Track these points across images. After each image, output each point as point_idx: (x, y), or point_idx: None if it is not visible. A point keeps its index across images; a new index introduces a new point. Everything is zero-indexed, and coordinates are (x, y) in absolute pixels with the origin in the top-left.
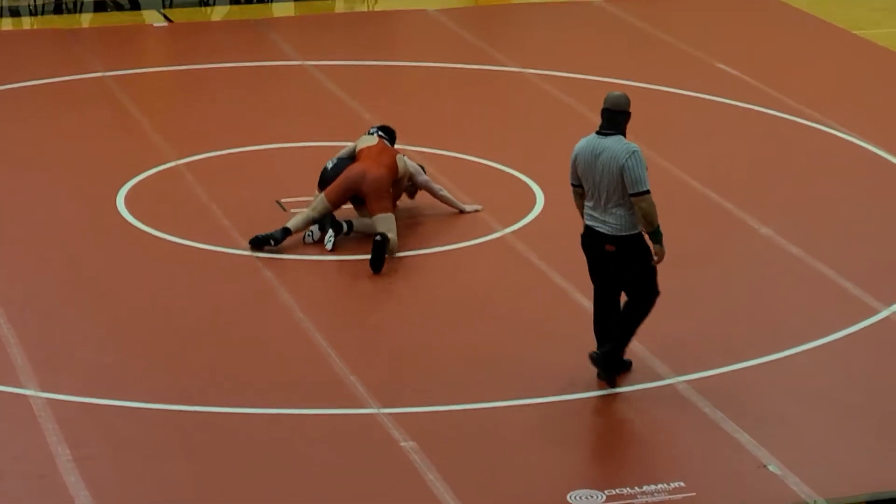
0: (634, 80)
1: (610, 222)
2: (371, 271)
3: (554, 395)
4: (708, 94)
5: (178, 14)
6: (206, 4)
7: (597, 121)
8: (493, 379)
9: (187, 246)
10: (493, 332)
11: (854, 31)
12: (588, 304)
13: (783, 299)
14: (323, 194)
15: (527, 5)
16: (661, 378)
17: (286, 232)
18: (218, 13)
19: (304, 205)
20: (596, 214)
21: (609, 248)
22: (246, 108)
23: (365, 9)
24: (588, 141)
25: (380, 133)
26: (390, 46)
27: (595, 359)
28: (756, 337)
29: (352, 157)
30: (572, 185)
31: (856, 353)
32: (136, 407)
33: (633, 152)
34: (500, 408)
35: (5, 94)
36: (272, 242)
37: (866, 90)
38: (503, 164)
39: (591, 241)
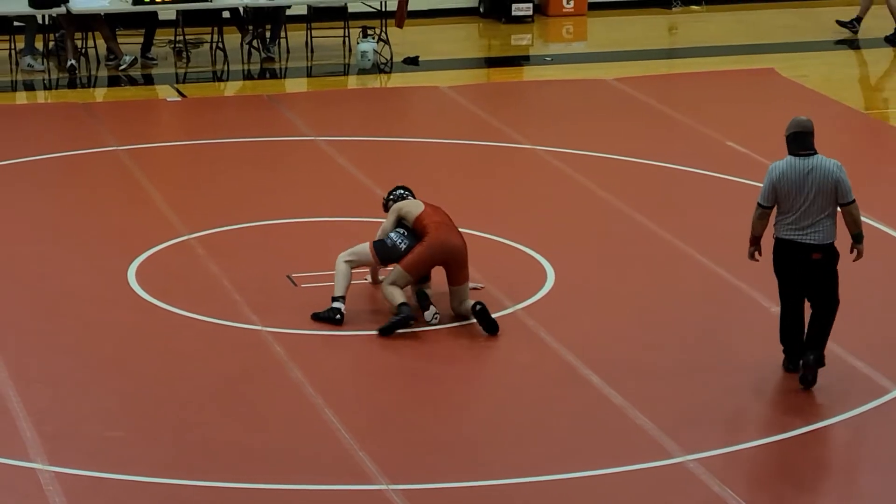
0: (645, 158)
1: (819, 233)
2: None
3: (562, 472)
4: (718, 173)
5: (191, 89)
6: (220, 79)
7: (608, 197)
8: (501, 456)
9: (198, 320)
10: (503, 409)
11: (865, 112)
12: (596, 380)
13: (793, 378)
14: (402, 268)
15: (539, 83)
16: (671, 456)
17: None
18: (231, 88)
19: (316, 279)
20: (801, 228)
21: (816, 255)
22: (258, 182)
23: (377, 85)
24: (789, 163)
25: (409, 193)
26: (402, 122)
27: (806, 366)
28: (767, 415)
29: (404, 226)
30: (763, 206)
31: (867, 432)
32: (143, 481)
33: (841, 167)
34: (508, 485)
35: (20, 167)
36: (410, 322)
37: (877, 170)
38: (514, 241)
39: (796, 252)
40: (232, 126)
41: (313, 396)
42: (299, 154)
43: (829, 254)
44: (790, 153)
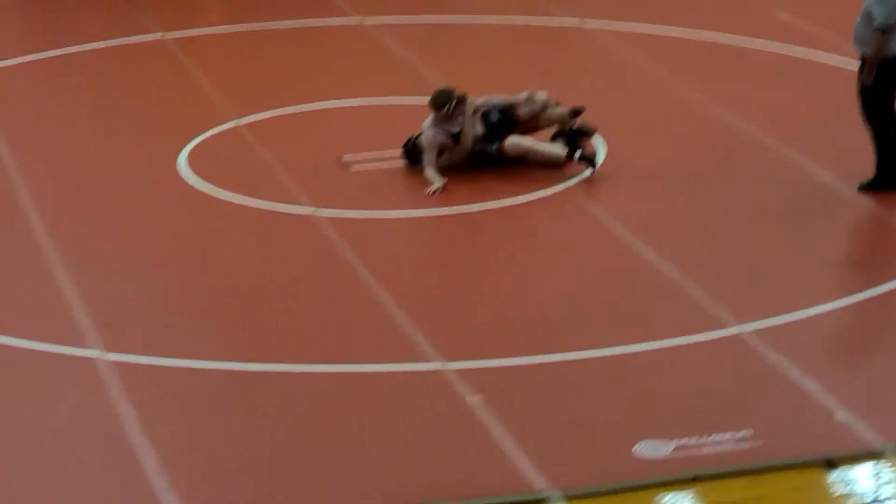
0: (692, 27)
1: None
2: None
3: (619, 345)
4: (766, 42)
5: None
6: None
7: (659, 71)
8: (557, 332)
9: (249, 206)
10: (558, 286)
11: None
12: (652, 257)
13: (850, 246)
14: None
15: None
16: (726, 326)
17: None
18: None
19: (367, 161)
20: None
21: None
22: (305, 66)
23: None
24: None
25: None
26: (450, 2)
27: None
28: (823, 283)
29: None
30: (890, 24)
31: None
32: (200, 367)
33: None
34: (566, 361)
35: (66, 57)
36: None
37: None
38: None
39: None
40: (278, 10)
41: (367, 278)
42: (346, 37)
43: None
44: None
